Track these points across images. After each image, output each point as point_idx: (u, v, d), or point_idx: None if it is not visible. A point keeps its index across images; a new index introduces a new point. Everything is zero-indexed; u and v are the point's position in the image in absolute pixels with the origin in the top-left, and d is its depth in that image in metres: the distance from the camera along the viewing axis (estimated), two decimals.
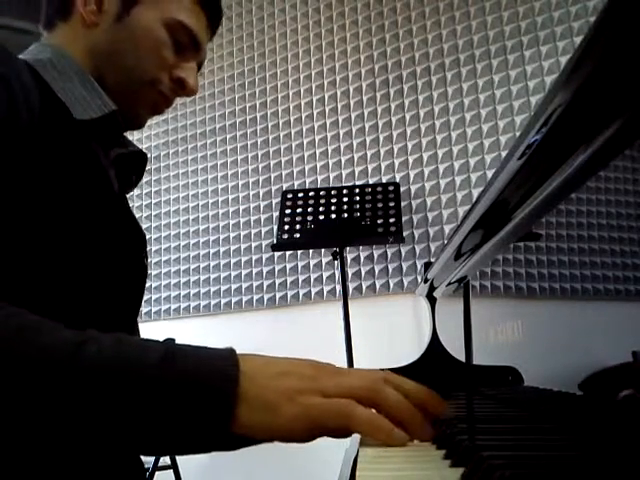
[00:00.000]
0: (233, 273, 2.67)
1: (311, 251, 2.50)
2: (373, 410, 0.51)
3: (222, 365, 0.49)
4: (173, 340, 0.53)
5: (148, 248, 0.84)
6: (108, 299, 0.69)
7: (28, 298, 0.57)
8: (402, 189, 2.28)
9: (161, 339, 0.53)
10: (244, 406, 0.48)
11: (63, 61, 0.74)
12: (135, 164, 0.85)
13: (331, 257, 2.18)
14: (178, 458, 2.31)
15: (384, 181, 2.38)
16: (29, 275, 0.60)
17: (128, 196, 0.84)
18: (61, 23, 0.78)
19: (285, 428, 0.49)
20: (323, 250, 2.46)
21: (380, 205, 2.13)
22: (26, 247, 0.60)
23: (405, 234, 2.18)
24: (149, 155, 3.00)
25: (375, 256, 2.40)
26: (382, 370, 0.57)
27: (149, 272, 2.82)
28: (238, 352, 0.52)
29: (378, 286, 2.38)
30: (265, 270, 2.61)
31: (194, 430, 0.48)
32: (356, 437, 0.56)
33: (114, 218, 0.72)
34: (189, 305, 2.76)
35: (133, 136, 2.91)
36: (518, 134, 0.58)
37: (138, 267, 0.78)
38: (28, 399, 0.45)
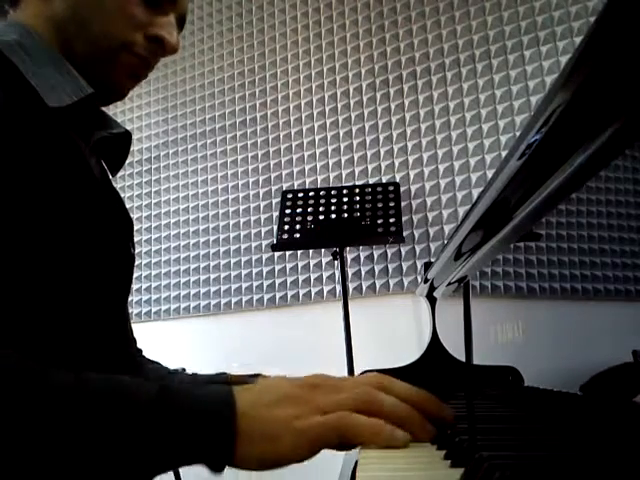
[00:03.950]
0: (233, 273, 2.67)
1: (311, 251, 2.50)
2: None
3: (217, 407, 0.48)
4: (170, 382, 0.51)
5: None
6: (94, 289, 0.67)
7: (12, 292, 0.57)
8: (402, 189, 2.28)
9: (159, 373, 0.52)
10: (243, 442, 0.47)
11: (32, 41, 0.67)
12: (119, 145, 0.79)
13: (331, 257, 2.18)
14: None
15: (384, 181, 2.38)
16: (13, 270, 0.58)
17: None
18: None
19: (287, 456, 0.49)
20: (323, 250, 2.46)
21: (380, 205, 2.13)
22: (8, 244, 0.57)
23: (405, 234, 2.18)
24: (149, 156, 3.00)
25: (375, 256, 2.40)
26: (376, 372, 0.56)
27: (150, 272, 2.82)
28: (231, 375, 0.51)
29: (378, 286, 2.38)
30: (265, 270, 2.60)
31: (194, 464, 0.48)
32: None
33: (96, 208, 0.68)
34: (189, 305, 2.75)
35: (133, 136, 2.91)
36: (518, 134, 0.58)
37: (124, 256, 0.75)
38: (28, 448, 0.44)
